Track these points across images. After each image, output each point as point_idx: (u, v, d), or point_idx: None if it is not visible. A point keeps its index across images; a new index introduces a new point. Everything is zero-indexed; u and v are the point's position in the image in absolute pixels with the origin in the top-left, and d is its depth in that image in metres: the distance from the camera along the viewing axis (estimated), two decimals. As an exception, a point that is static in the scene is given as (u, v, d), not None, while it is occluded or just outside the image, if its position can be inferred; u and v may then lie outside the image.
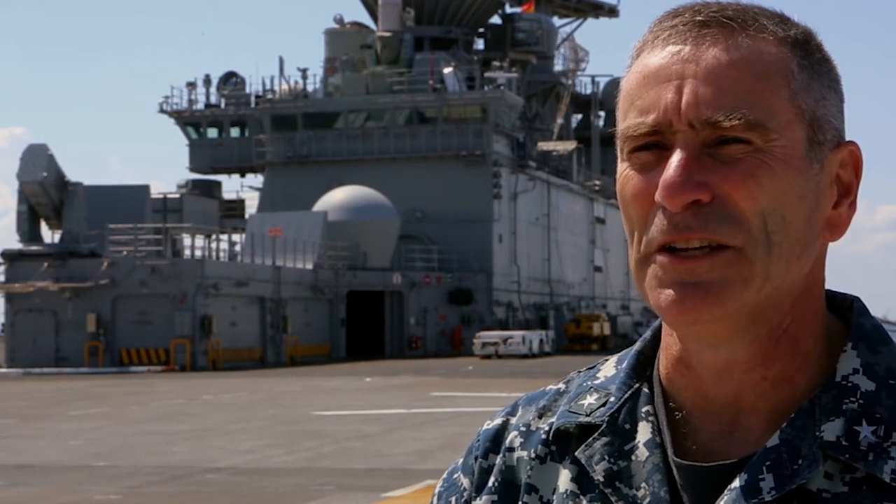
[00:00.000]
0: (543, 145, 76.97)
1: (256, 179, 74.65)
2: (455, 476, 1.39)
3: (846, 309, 1.28)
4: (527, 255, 70.87)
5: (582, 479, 1.27)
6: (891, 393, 1.20)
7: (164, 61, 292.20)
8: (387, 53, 69.40)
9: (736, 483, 1.18)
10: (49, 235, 51.05)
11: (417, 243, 64.92)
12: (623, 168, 1.23)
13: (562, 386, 1.38)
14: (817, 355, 1.23)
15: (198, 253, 52.63)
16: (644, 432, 1.26)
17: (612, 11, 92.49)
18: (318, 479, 15.03)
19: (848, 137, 1.25)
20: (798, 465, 1.16)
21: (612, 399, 1.30)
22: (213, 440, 20.00)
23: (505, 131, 68.34)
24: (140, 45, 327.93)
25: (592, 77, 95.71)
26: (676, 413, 1.26)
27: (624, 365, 1.33)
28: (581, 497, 1.27)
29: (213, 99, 73.55)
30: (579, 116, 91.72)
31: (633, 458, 1.25)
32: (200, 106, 73.34)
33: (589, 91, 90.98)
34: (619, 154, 1.24)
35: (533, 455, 1.32)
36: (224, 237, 58.36)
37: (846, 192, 1.24)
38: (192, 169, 74.35)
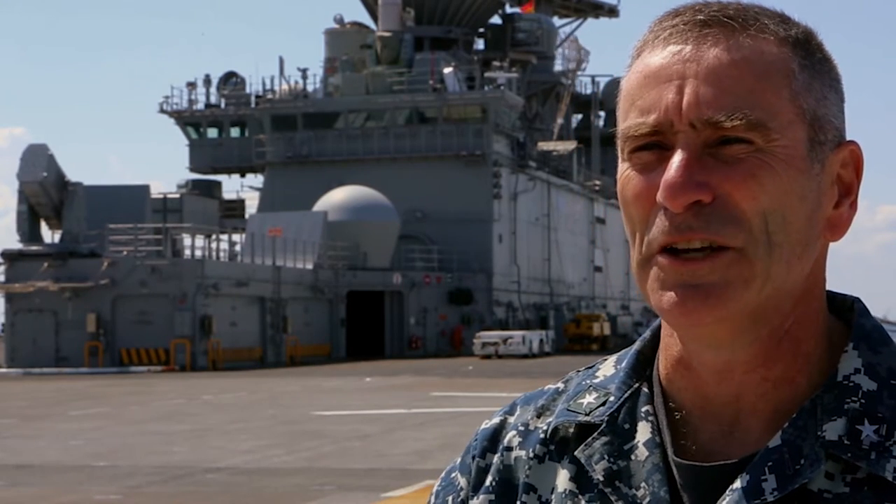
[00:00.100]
0: (543, 145, 76.98)
1: (256, 179, 74.76)
2: (453, 475, 1.39)
3: (847, 310, 1.28)
4: (527, 255, 70.88)
5: (580, 478, 1.27)
6: (892, 393, 1.20)
7: (164, 61, 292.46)
8: (387, 53, 69.40)
9: (737, 483, 1.18)
10: (49, 235, 51.07)
11: (417, 243, 64.93)
12: (624, 168, 1.22)
13: (560, 385, 1.37)
14: (818, 356, 1.23)
15: (198, 253, 52.64)
16: (644, 432, 1.26)
17: (612, 11, 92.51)
18: (318, 479, 15.03)
19: (848, 137, 1.25)
20: (800, 464, 1.16)
21: (611, 398, 1.30)
22: (213, 440, 20.00)
23: (505, 131, 68.34)
24: (140, 45, 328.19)
25: (592, 77, 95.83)
26: (676, 413, 1.26)
27: (623, 364, 1.33)
28: (580, 496, 1.26)
29: (213, 99, 73.58)
30: (579, 116, 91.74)
31: (633, 457, 1.25)
32: (200, 106, 73.36)
33: (589, 91, 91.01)
34: (619, 154, 1.23)
35: (531, 454, 1.32)
36: (224, 237, 58.38)
37: (847, 192, 1.24)
38: (192, 169, 74.36)
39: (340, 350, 59.28)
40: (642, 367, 1.31)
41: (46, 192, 49.04)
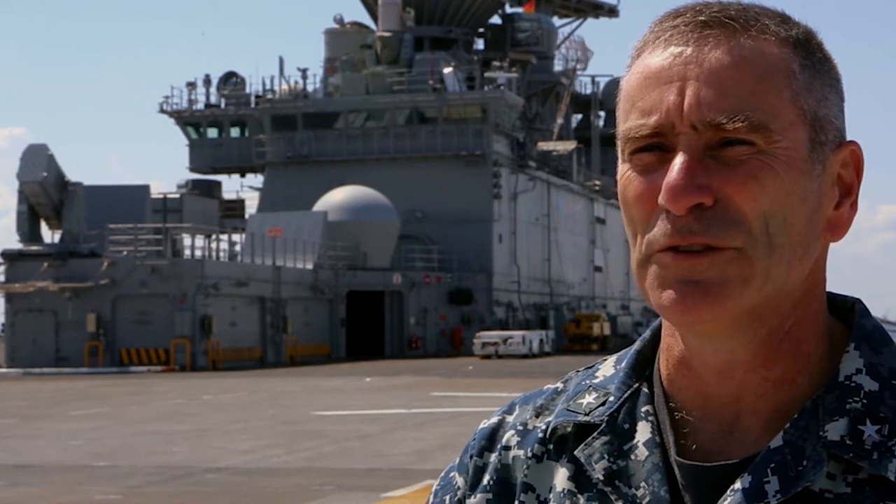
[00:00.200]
0: (543, 145, 76.99)
1: (256, 179, 74.77)
2: (451, 475, 1.39)
3: (847, 311, 1.28)
4: (527, 255, 70.88)
5: (579, 477, 1.27)
6: (894, 393, 1.19)
7: (164, 61, 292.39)
8: (387, 53, 69.41)
9: (739, 484, 1.18)
10: (49, 235, 51.08)
11: (417, 243, 64.94)
12: (624, 169, 1.22)
13: (560, 385, 1.37)
14: (819, 357, 1.23)
15: (198, 253, 52.65)
16: (644, 432, 1.26)
17: (612, 11, 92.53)
18: (318, 479, 15.03)
19: (848, 137, 1.25)
20: (803, 466, 1.16)
21: (611, 398, 1.29)
22: (213, 440, 20.00)
23: (505, 131, 68.35)
24: (140, 45, 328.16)
25: (592, 77, 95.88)
26: (676, 413, 1.26)
27: (623, 365, 1.33)
28: (579, 496, 1.26)
29: (213, 99, 73.59)
30: (579, 116, 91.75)
31: (633, 457, 1.25)
32: (200, 106, 73.36)
33: (589, 91, 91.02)
34: (619, 155, 1.23)
35: (529, 454, 1.32)
36: (224, 237, 58.39)
37: (847, 193, 1.24)
38: (192, 169, 74.37)
39: (340, 350, 59.28)
40: (642, 367, 1.31)
41: (46, 192, 49.04)
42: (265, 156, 69.07)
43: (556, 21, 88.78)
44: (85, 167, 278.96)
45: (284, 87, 71.43)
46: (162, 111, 73.08)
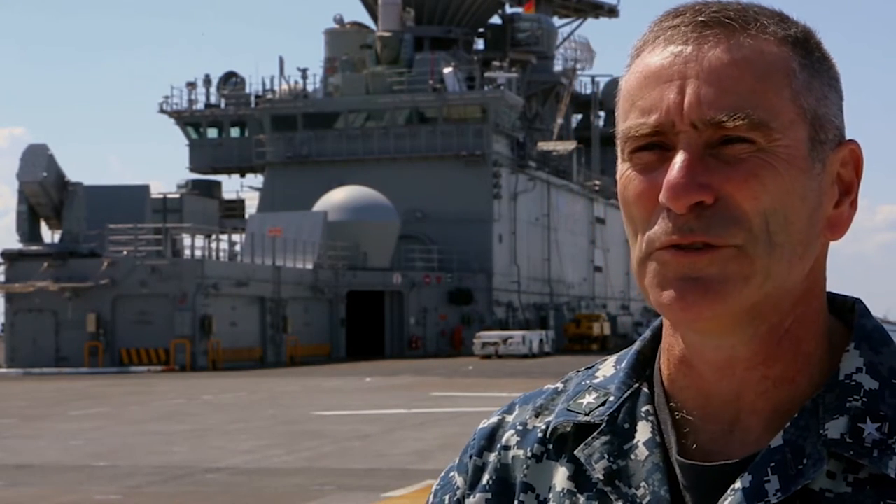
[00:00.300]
0: (543, 145, 76.99)
1: (256, 179, 74.77)
2: (451, 475, 1.39)
3: (847, 311, 1.28)
4: (527, 255, 70.88)
5: (579, 477, 1.27)
6: (894, 391, 1.20)
7: (164, 61, 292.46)
8: (387, 53, 69.41)
9: (739, 484, 1.18)
10: (49, 235, 51.08)
11: (417, 243, 64.94)
12: (624, 168, 1.22)
13: (560, 385, 1.38)
14: (819, 356, 1.23)
15: (198, 253, 52.64)
16: (644, 432, 1.26)
17: (612, 11, 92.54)
18: (318, 479, 15.03)
19: (848, 137, 1.25)
20: (803, 464, 1.16)
21: (611, 398, 1.30)
22: (213, 440, 20.00)
23: (505, 131, 68.35)
24: (140, 45, 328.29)
25: (592, 77, 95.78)
26: (677, 413, 1.26)
27: (623, 365, 1.33)
28: (578, 495, 1.26)
29: (213, 99, 73.60)
30: (579, 116, 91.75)
31: (633, 457, 1.25)
32: (200, 106, 73.37)
33: (589, 91, 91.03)
34: (619, 154, 1.23)
35: (529, 454, 1.32)
36: (224, 237, 58.40)
37: (847, 191, 1.24)
38: (192, 169, 74.38)
39: (340, 350, 59.28)
40: (642, 367, 1.31)
41: (46, 192, 49.04)
42: (265, 156, 69.07)
43: (556, 21, 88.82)
44: (85, 167, 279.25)
45: (284, 87, 71.44)
46: (162, 111, 73.10)
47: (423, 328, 62.38)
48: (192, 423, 23.23)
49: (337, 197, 61.51)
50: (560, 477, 1.29)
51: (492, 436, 1.37)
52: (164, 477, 15.60)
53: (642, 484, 1.23)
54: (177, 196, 64.30)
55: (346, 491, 14.13)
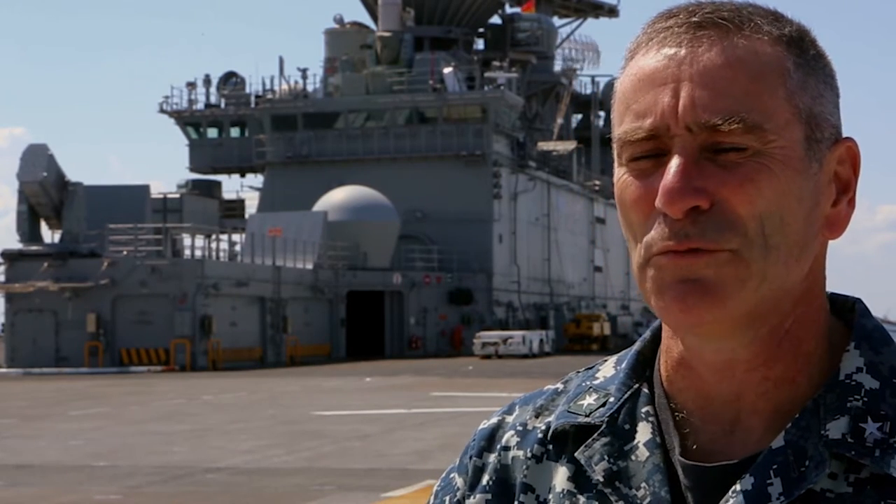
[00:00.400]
0: (543, 145, 76.99)
1: (256, 179, 74.78)
2: (451, 475, 1.39)
3: (847, 310, 1.28)
4: (527, 255, 70.89)
5: (579, 478, 1.27)
6: (895, 391, 1.19)
7: (164, 61, 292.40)
8: (387, 53, 69.41)
9: (741, 486, 1.18)
10: (49, 235, 51.09)
11: (417, 243, 64.95)
12: (621, 173, 1.22)
13: (560, 386, 1.37)
14: (819, 356, 1.23)
15: (198, 253, 52.65)
16: (644, 433, 1.25)
17: (612, 11, 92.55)
18: (318, 479, 15.03)
19: (847, 135, 1.25)
20: (805, 466, 1.16)
21: (611, 399, 1.29)
22: (213, 440, 20.00)
23: (505, 131, 68.35)
24: (140, 45, 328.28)
25: (592, 77, 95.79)
26: (677, 414, 1.26)
27: (623, 365, 1.32)
28: (578, 496, 1.26)
29: (213, 99, 73.59)
30: (579, 116, 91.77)
31: (633, 458, 1.24)
32: (200, 106, 73.37)
33: (589, 91, 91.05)
34: (616, 158, 1.23)
35: (529, 454, 1.31)
36: (224, 237, 58.39)
37: (845, 189, 1.24)
38: (192, 169, 74.38)
39: (340, 350, 59.29)
40: (642, 367, 1.31)
41: (46, 192, 49.05)
42: (265, 156, 69.07)
43: (556, 21, 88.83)
44: (85, 167, 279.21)
45: (284, 87, 71.44)
46: (162, 111, 73.10)
47: (423, 328, 62.39)
48: (192, 423, 23.23)
49: (337, 197, 61.52)
50: (560, 478, 1.28)
51: (492, 436, 1.36)
52: (164, 477, 15.60)
53: (643, 485, 1.22)
54: (177, 196, 64.29)
55: (346, 491, 14.13)
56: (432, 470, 15.23)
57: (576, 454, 1.27)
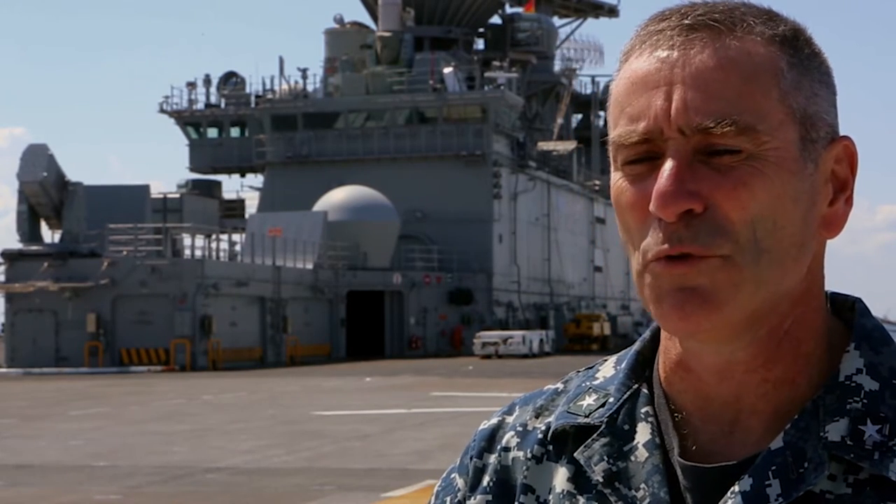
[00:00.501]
0: (543, 145, 77.00)
1: (256, 179, 74.80)
2: (452, 476, 1.39)
3: (847, 310, 1.27)
4: (527, 255, 70.89)
5: (579, 478, 1.27)
6: (895, 392, 1.19)
7: (164, 61, 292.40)
8: (387, 53, 69.41)
9: (739, 487, 1.17)
10: (49, 235, 51.09)
11: (417, 243, 64.95)
12: (616, 178, 1.22)
13: (560, 386, 1.37)
14: (818, 357, 1.23)
15: (198, 253, 52.65)
16: (643, 433, 1.25)
17: (612, 11, 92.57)
18: (318, 479, 15.03)
19: (850, 137, 1.24)
20: (804, 468, 1.16)
21: (610, 400, 1.29)
22: (213, 440, 20.00)
23: (505, 131, 68.36)
24: (140, 45, 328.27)
25: (592, 77, 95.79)
26: (676, 414, 1.25)
27: (623, 366, 1.32)
28: (578, 497, 1.26)
29: (213, 99, 73.60)
30: (579, 116, 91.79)
31: (633, 458, 1.24)
32: (200, 106, 73.37)
33: (589, 91, 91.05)
34: (611, 161, 1.23)
35: (529, 455, 1.31)
36: (224, 237, 58.39)
37: (842, 188, 1.23)
38: (192, 169, 74.38)
39: (340, 350, 59.29)
40: (642, 367, 1.31)
41: (46, 192, 49.05)
42: (265, 156, 69.07)
43: (556, 21, 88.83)
44: (85, 167, 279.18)
45: (284, 87, 71.44)
46: (162, 111, 73.10)
47: (423, 328, 62.39)
48: (192, 423, 23.22)
49: (337, 197, 61.52)
50: (560, 478, 1.28)
51: (492, 437, 1.36)
52: (164, 477, 15.60)
53: (642, 486, 1.22)
54: (177, 196, 64.30)
55: (346, 491, 14.13)
56: (432, 470, 15.23)
57: (575, 455, 1.27)
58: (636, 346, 1.33)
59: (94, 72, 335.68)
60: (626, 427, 1.26)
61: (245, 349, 52.14)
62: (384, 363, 51.37)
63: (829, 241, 1.25)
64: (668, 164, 1.16)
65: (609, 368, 1.34)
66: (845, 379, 1.20)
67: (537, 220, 72.73)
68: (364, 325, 61.33)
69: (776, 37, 1.20)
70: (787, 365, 1.21)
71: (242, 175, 75.93)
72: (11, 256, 49.82)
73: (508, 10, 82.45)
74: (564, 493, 1.27)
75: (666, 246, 1.16)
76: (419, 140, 66.75)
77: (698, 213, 1.15)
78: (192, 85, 73.22)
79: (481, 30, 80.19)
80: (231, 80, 74.07)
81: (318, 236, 58.68)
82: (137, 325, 48.96)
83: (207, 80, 73.54)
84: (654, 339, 1.32)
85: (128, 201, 55.04)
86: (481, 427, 1.38)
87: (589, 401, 1.31)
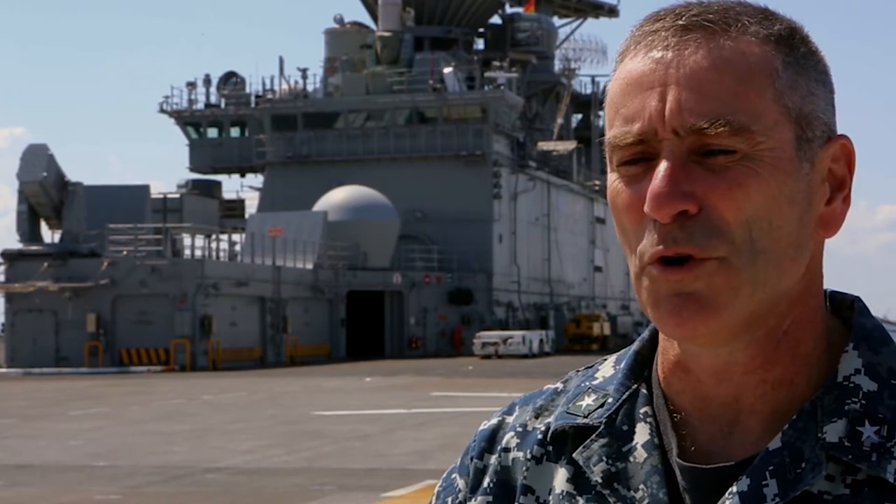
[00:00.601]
0: (543, 145, 76.98)
1: (256, 179, 74.79)
2: (452, 476, 1.39)
3: (846, 308, 1.27)
4: (527, 255, 70.88)
5: (578, 479, 1.27)
6: (893, 393, 1.19)
7: (164, 61, 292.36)
8: (387, 53, 69.40)
9: (737, 487, 1.17)
10: (49, 235, 51.08)
11: (417, 243, 64.94)
12: (613, 179, 1.22)
13: (559, 385, 1.37)
14: (817, 357, 1.22)
15: (198, 253, 52.64)
16: (642, 434, 1.25)
17: (612, 11, 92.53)
18: (318, 479, 15.03)
19: (849, 137, 1.24)
20: (801, 468, 1.15)
21: (609, 400, 1.29)
22: (213, 440, 20.00)
23: (505, 131, 68.35)
24: (140, 45, 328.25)
25: (592, 77, 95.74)
26: (675, 415, 1.25)
27: (622, 366, 1.32)
28: (577, 497, 1.26)
29: (213, 99, 73.59)
30: (579, 116, 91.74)
31: (632, 459, 1.24)
32: (200, 106, 73.36)
33: (589, 91, 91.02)
34: (608, 163, 1.23)
35: (529, 455, 1.31)
36: (224, 237, 58.39)
37: (840, 187, 1.23)
38: (192, 169, 74.37)
39: (340, 350, 59.28)
40: (640, 368, 1.31)
41: (46, 192, 49.05)
42: (265, 156, 69.07)
43: (556, 21, 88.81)
44: (85, 167, 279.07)
45: (284, 87, 71.43)
46: (162, 111, 73.10)
47: (423, 328, 62.38)
48: (192, 423, 23.22)
49: (337, 197, 61.52)
50: (560, 479, 1.28)
51: (492, 437, 1.36)
52: (164, 477, 15.60)
53: (641, 486, 1.22)
54: (177, 196, 64.30)
55: (346, 491, 14.13)
56: (432, 470, 15.23)
57: (574, 455, 1.27)
58: (635, 346, 1.33)
59: (94, 72, 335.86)
60: (625, 427, 1.26)
61: (245, 349, 52.13)
62: (384, 363, 51.37)
63: (828, 241, 1.25)
64: (663, 165, 1.16)
65: (608, 368, 1.34)
66: (844, 379, 1.20)
67: (537, 220, 72.73)
68: (364, 325, 61.32)
69: (771, 36, 1.20)
70: (785, 365, 1.21)
71: (242, 175, 75.94)
72: (11, 256, 49.81)
73: (508, 10, 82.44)
74: (564, 493, 1.27)
75: (661, 247, 1.16)
76: (419, 140, 66.75)
77: (693, 215, 1.15)
78: (192, 85, 73.23)
79: (481, 30, 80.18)
80: (231, 80, 74.06)
81: (318, 236, 58.67)
82: (137, 325, 48.96)
83: (207, 80, 73.54)
84: (653, 340, 1.31)
85: (128, 201, 55.04)
86: (481, 427, 1.38)
87: (588, 401, 1.30)
